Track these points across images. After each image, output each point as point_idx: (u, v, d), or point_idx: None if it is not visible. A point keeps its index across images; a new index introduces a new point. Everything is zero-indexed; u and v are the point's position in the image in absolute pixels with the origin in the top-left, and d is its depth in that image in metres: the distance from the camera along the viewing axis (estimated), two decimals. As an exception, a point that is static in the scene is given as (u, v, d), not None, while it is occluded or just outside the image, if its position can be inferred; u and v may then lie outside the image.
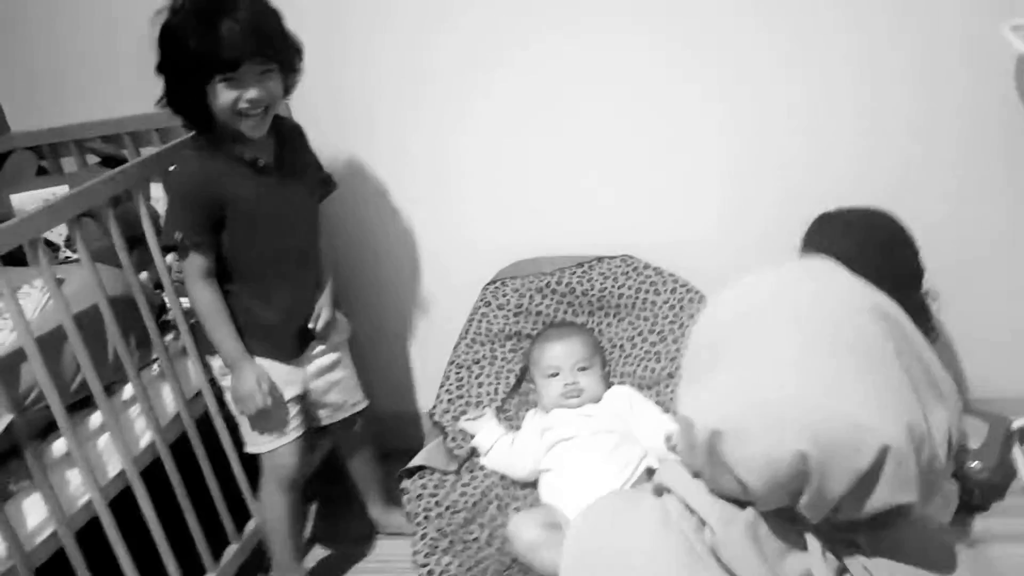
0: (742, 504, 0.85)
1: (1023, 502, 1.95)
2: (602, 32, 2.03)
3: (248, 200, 1.74)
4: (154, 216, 1.90)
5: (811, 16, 1.91)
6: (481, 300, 2.18)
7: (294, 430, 1.87)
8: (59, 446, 1.60)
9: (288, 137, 1.86)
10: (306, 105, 2.07)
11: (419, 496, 1.85)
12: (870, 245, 1.56)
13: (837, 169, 2.02)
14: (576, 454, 1.86)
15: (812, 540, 0.82)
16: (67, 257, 2.07)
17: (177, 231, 1.71)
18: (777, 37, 1.95)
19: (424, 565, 1.66)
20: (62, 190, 2.33)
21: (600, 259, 2.17)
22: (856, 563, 0.81)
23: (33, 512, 1.55)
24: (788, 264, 0.96)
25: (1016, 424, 2.05)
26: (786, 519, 0.83)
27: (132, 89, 2.36)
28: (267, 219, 1.77)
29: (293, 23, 1.77)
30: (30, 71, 2.47)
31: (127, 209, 1.89)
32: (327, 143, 2.18)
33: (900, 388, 0.78)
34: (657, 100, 2.07)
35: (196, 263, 1.73)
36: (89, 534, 1.64)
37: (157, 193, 2.09)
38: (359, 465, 2.13)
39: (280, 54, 1.70)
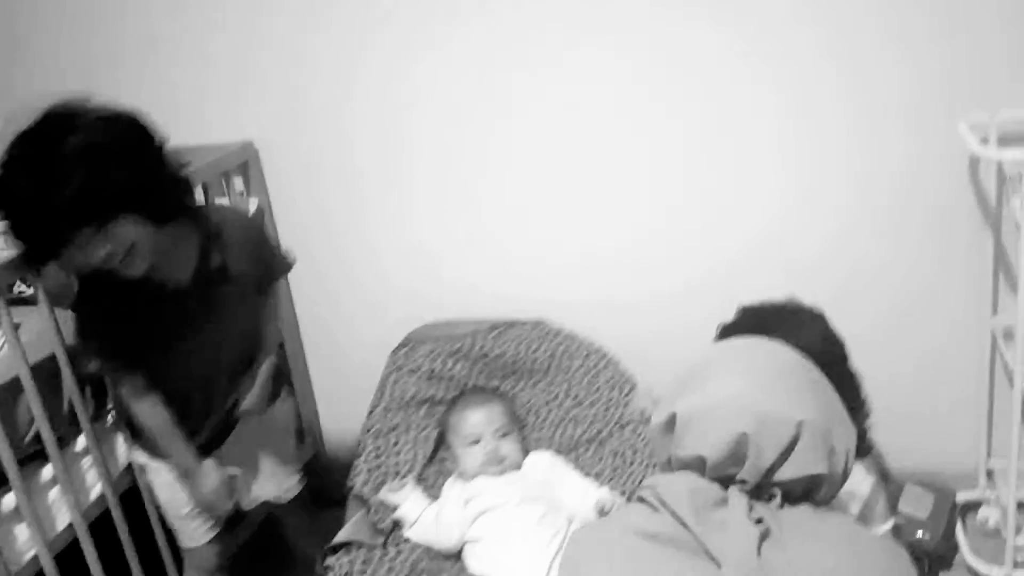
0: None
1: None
2: (522, 88, 2.11)
3: (157, 327, 1.60)
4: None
5: (748, 85, 2.00)
6: (393, 365, 2.15)
7: (213, 528, 1.85)
8: (8, 501, 1.60)
9: (218, 240, 1.64)
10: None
11: (347, 574, 1.80)
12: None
13: (749, 243, 2.13)
14: (504, 524, 1.81)
15: (735, 493, 1.10)
16: (20, 292, 2.05)
17: (90, 362, 1.63)
18: (696, 117, 2.05)
19: None
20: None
21: (513, 324, 2.18)
22: (768, 510, 1.08)
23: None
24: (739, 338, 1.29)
25: (960, 497, 2.13)
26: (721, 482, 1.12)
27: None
28: (182, 343, 1.64)
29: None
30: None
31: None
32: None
33: (819, 402, 1.13)
34: (573, 165, 2.15)
35: (127, 384, 1.63)
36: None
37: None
38: (293, 535, 2.10)
39: (127, 207, 1.42)
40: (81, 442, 1.77)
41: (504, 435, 1.93)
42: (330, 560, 1.82)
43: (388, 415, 2.07)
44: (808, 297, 1.90)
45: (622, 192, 2.16)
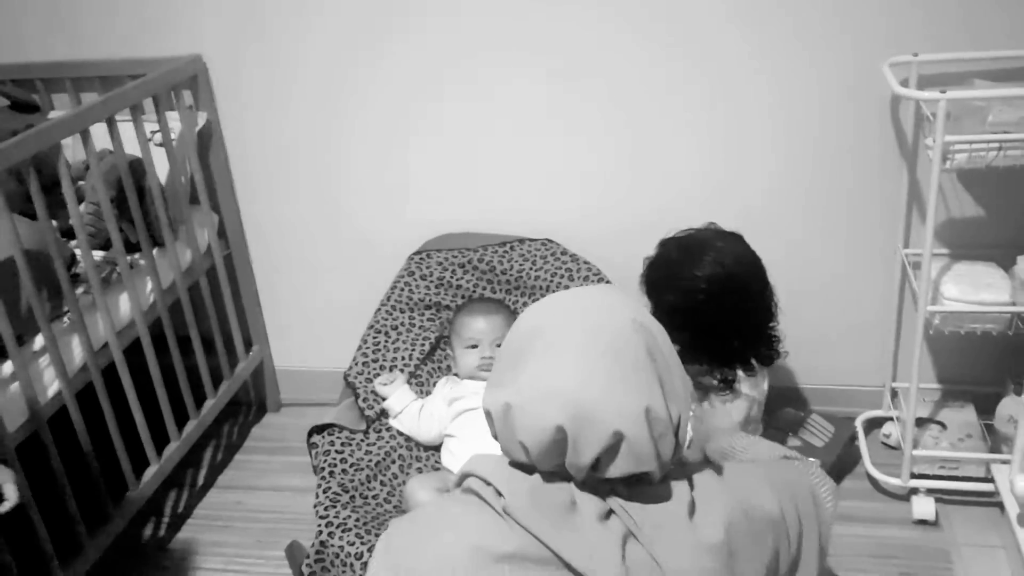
0: (530, 472, 1.11)
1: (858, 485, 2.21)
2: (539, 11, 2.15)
3: None
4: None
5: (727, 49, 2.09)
6: (406, 269, 2.29)
7: None
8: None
9: None
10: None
11: (326, 452, 1.94)
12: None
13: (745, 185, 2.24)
14: (479, 425, 1.97)
15: (579, 493, 1.08)
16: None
17: None
18: (696, 66, 2.13)
19: (323, 517, 1.76)
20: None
21: (523, 240, 2.30)
22: (615, 502, 1.08)
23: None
24: (578, 288, 1.23)
25: (866, 415, 2.31)
26: (562, 480, 1.09)
27: (43, 33, 2.38)
28: None
29: None
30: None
31: (41, 159, 1.91)
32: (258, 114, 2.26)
33: (642, 382, 1.07)
34: (599, 96, 2.21)
35: None
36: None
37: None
38: None
39: None
40: (39, 341, 1.82)
41: (500, 344, 2.05)
42: (316, 438, 1.97)
43: (392, 314, 2.22)
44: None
45: (630, 132, 2.24)
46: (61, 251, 1.86)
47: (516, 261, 2.29)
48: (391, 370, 2.13)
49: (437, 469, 2.00)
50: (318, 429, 1.99)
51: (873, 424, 2.35)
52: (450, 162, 2.34)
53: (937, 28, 1.98)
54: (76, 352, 1.91)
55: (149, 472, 2.12)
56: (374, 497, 1.86)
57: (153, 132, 2.19)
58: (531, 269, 2.28)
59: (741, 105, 2.14)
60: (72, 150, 2.22)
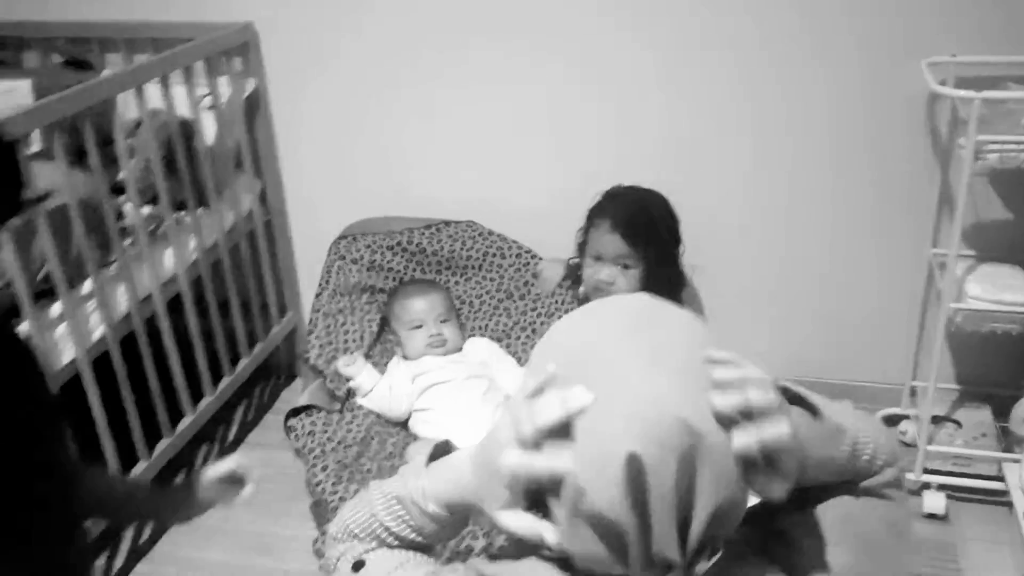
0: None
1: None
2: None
3: None
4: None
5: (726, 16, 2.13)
6: (335, 254, 2.31)
7: None
8: (20, 331, 1.73)
9: None
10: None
11: (310, 433, 2.00)
12: (647, 215, 2.01)
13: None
14: (452, 396, 2.04)
15: None
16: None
17: None
18: (645, 50, 2.18)
19: (334, 494, 1.82)
20: (24, 84, 2.40)
21: (447, 223, 2.34)
22: None
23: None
24: (627, 301, 0.88)
25: (885, 412, 2.35)
26: None
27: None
28: None
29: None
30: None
31: (96, 114, 1.98)
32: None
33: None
34: (510, 79, 2.29)
35: None
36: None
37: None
38: None
39: None
40: (87, 286, 1.89)
41: (444, 320, 2.16)
42: (292, 422, 2.02)
43: (334, 299, 2.25)
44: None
45: (545, 110, 2.31)
46: (111, 203, 1.93)
47: (445, 242, 2.32)
48: (345, 352, 2.16)
49: (406, 444, 2.05)
50: (294, 412, 2.04)
51: (891, 422, 2.37)
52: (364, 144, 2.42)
53: (974, 31, 2.01)
54: (121, 300, 1.99)
55: (184, 423, 2.20)
56: (368, 471, 1.91)
57: (203, 96, 2.26)
58: (461, 249, 2.31)
59: (773, 98, 2.18)
60: (122, 110, 2.29)
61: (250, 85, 2.40)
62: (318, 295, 2.26)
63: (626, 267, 1.97)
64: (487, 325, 2.29)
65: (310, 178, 2.54)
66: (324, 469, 1.89)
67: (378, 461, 1.96)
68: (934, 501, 2.10)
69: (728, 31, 2.13)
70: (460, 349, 2.18)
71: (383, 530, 0.95)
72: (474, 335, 2.27)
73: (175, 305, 2.15)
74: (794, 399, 0.89)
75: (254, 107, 2.43)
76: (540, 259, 2.30)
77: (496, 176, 2.41)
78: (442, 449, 0.98)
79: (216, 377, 2.33)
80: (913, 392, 2.36)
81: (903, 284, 2.29)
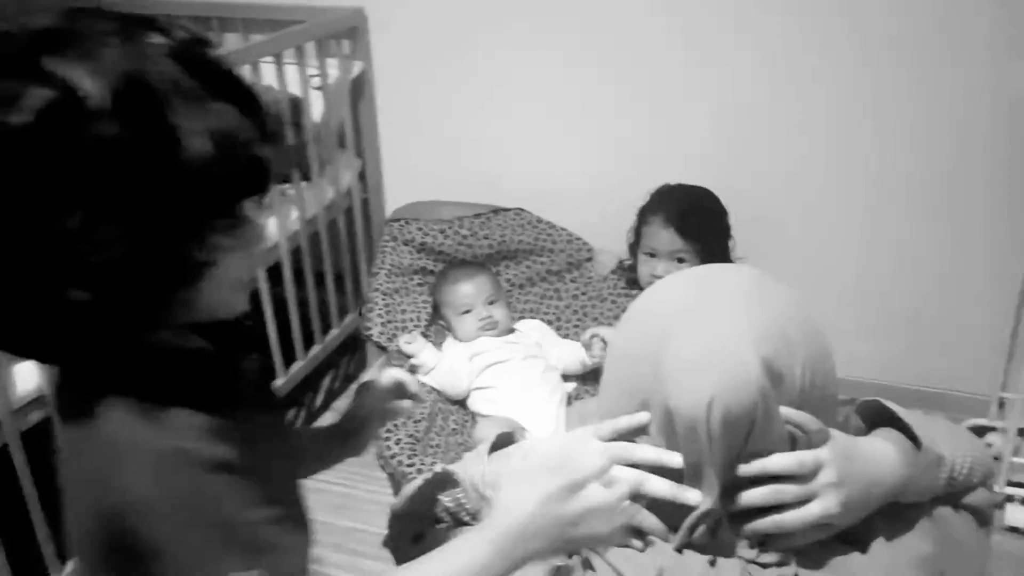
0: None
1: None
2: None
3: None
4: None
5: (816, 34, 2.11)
6: (388, 235, 2.37)
7: None
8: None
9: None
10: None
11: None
12: (699, 210, 2.07)
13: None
14: (512, 375, 2.08)
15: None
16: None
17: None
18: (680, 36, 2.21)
19: (410, 466, 1.87)
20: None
21: (496, 211, 2.38)
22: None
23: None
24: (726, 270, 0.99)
25: (971, 422, 2.30)
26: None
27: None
28: None
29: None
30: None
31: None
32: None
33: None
34: (564, 65, 2.34)
35: None
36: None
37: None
38: None
39: None
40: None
41: (493, 302, 2.18)
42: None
43: (390, 278, 2.32)
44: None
45: (599, 98, 2.35)
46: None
47: (495, 230, 2.36)
48: (404, 331, 2.22)
49: (465, 421, 2.10)
50: (365, 387, 2.09)
51: (977, 433, 2.32)
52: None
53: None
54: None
55: (275, 384, 2.30)
56: (436, 447, 1.96)
57: (312, 76, 2.36)
58: (512, 236, 2.35)
59: (857, 93, 2.15)
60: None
61: (357, 67, 2.50)
62: (375, 274, 2.34)
63: (681, 261, 2.02)
64: (538, 308, 2.33)
65: (407, 160, 2.62)
66: (398, 443, 1.94)
67: (444, 437, 2.02)
68: (1016, 514, 2.05)
69: (831, 30, 2.13)
70: (511, 330, 2.22)
71: (442, 510, 0.99)
72: (523, 317, 2.32)
73: (273, 273, 2.25)
74: (891, 421, 0.92)
75: (359, 89, 2.52)
76: (591, 249, 2.35)
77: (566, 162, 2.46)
78: (505, 439, 1.03)
79: (308, 344, 2.43)
80: (1001, 404, 2.31)
81: (996, 293, 2.24)
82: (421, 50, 2.48)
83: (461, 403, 2.15)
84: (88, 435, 0.75)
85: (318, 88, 2.38)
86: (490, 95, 2.46)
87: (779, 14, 2.14)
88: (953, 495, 0.95)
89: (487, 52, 2.41)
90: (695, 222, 2.04)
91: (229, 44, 2.61)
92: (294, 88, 2.25)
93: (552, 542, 0.81)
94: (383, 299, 2.28)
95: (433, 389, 2.12)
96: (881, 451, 0.88)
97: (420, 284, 2.34)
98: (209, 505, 0.74)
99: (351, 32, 2.46)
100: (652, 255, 2.06)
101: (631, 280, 2.20)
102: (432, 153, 2.59)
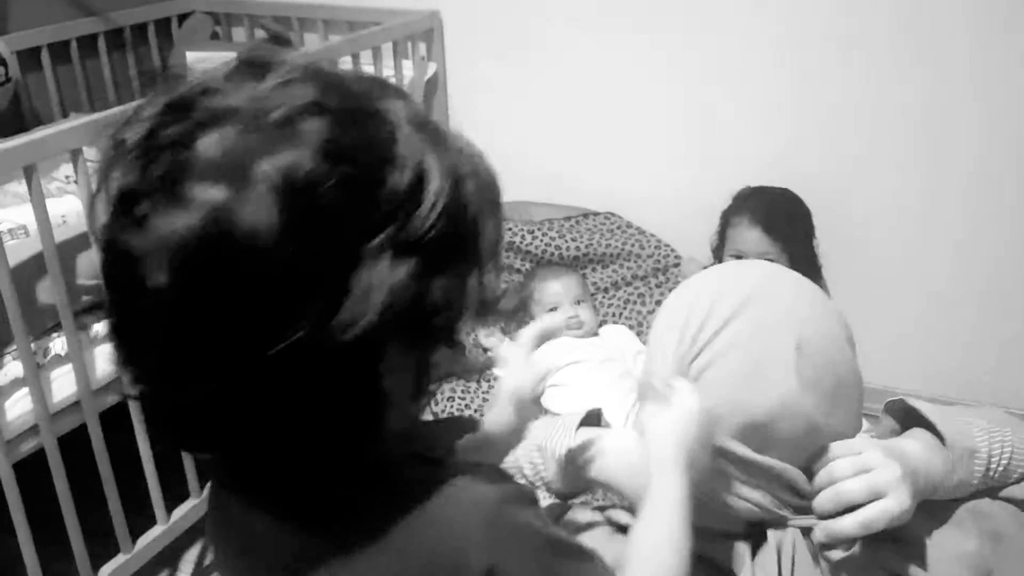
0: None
1: None
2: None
3: None
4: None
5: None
6: None
7: None
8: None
9: None
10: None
11: (450, 398, 2.13)
12: (785, 210, 2.08)
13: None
14: (587, 375, 2.10)
15: None
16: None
17: None
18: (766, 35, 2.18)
19: None
20: (230, 56, 2.63)
21: (586, 215, 2.39)
22: None
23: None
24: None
25: None
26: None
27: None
28: None
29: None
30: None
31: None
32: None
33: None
34: (653, 73, 2.32)
35: None
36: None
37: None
38: None
39: None
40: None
41: (580, 303, 2.20)
42: (433, 386, 2.13)
43: None
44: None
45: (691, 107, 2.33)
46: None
47: (584, 234, 2.36)
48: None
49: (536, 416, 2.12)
50: None
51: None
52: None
53: None
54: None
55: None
56: None
57: (388, 76, 2.42)
58: (600, 240, 2.35)
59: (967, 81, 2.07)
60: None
61: (431, 69, 2.55)
62: None
63: (769, 261, 1.98)
64: (621, 313, 2.35)
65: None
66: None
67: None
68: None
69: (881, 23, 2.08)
70: (596, 333, 2.24)
71: (517, 472, 1.02)
72: (607, 322, 2.33)
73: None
74: (913, 419, 0.93)
75: (432, 89, 2.57)
76: (679, 256, 2.35)
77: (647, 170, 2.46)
78: (595, 417, 1.05)
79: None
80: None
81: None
82: (494, 52, 2.51)
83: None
84: (399, 518, 0.66)
85: (393, 89, 2.43)
86: (562, 98, 2.47)
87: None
88: (992, 489, 0.95)
89: (560, 55, 2.43)
90: (782, 222, 2.04)
91: (309, 44, 2.69)
92: (369, 89, 2.31)
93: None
94: None
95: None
96: (914, 450, 0.89)
97: (505, 282, 2.38)
98: (536, 536, 0.70)
99: (426, 34, 2.51)
100: (739, 256, 2.05)
101: None
102: (503, 155, 2.59)
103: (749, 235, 2.03)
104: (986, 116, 2.06)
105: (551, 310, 2.21)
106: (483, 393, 2.17)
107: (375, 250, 0.59)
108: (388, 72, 2.40)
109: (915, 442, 0.91)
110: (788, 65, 2.20)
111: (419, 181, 0.61)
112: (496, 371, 2.16)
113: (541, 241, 2.37)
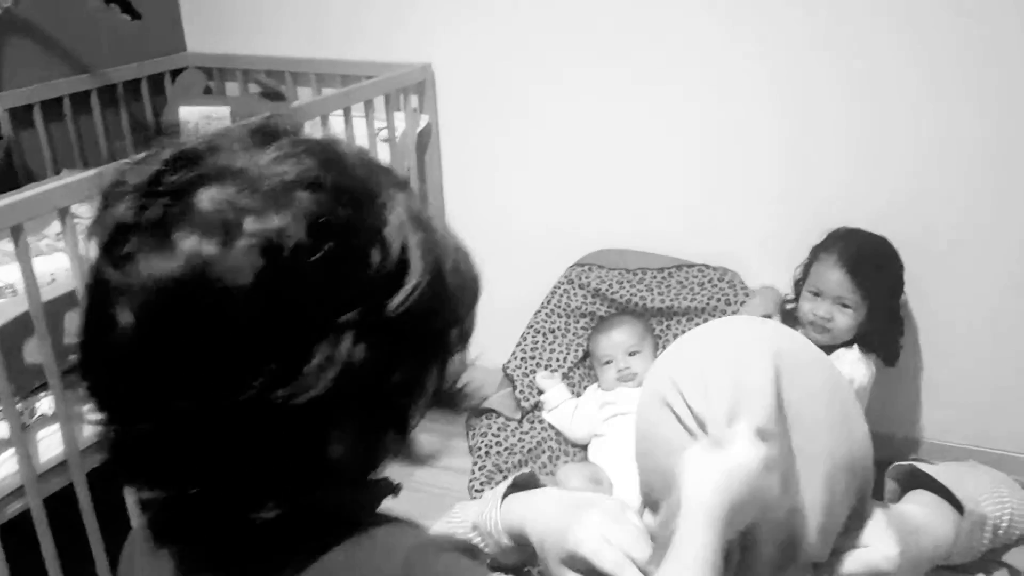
0: None
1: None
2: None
3: None
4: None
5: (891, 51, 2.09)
6: (565, 277, 2.40)
7: None
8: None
9: None
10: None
11: (483, 433, 2.13)
12: (875, 258, 2.01)
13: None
14: (629, 426, 2.07)
15: None
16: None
17: None
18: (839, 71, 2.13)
19: (479, 491, 1.92)
20: (223, 110, 2.65)
21: (679, 266, 2.34)
22: None
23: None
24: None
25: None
26: None
27: (302, 31, 2.67)
28: None
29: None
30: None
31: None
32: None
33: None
34: (649, 120, 2.32)
35: None
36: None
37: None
38: None
39: None
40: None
41: (634, 353, 2.17)
42: (473, 420, 2.14)
43: (551, 318, 2.36)
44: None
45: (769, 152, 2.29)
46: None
47: (673, 287, 2.31)
48: (547, 369, 2.27)
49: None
50: (476, 413, 2.15)
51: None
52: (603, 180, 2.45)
53: None
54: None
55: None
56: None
57: (380, 128, 2.43)
58: (689, 294, 2.29)
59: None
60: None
61: (423, 121, 2.56)
62: (536, 313, 2.38)
63: (844, 306, 1.96)
64: None
65: (471, 211, 2.66)
66: (482, 469, 2.01)
67: (541, 474, 2.03)
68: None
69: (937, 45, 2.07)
70: None
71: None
72: None
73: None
74: (917, 481, 0.92)
75: (425, 141, 2.58)
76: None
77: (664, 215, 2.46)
78: (525, 480, 1.02)
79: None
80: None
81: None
82: (485, 104, 2.52)
83: (584, 447, 2.18)
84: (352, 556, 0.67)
85: (385, 141, 2.44)
86: (552, 148, 2.48)
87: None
88: (994, 551, 0.93)
89: (549, 106, 2.44)
90: (869, 268, 1.97)
91: (302, 97, 2.70)
92: (362, 141, 2.31)
93: None
94: (533, 336, 2.34)
95: (550, 426, 2.19)
96: (920, 517, 0.88)
97: (584, 328, 2.35)
98: None
99: (419, 87, 2.52)
100: (817, 294, 2.00)
101: (789, 316, 2.08)
102: (495, 205, 2.62)
103: (832, 275, 1.97)
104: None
105: (606, 363, 2.20)
106: (521, 433, 2.18)
107: (342, 326, 0.60)
108: (380, 124, 2.41)
109: (922, 508, 0.90)
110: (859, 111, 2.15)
111: (400, 268, 0.63)
112: (543, 413, 2.16)
113: (627, 291, 2.34)
